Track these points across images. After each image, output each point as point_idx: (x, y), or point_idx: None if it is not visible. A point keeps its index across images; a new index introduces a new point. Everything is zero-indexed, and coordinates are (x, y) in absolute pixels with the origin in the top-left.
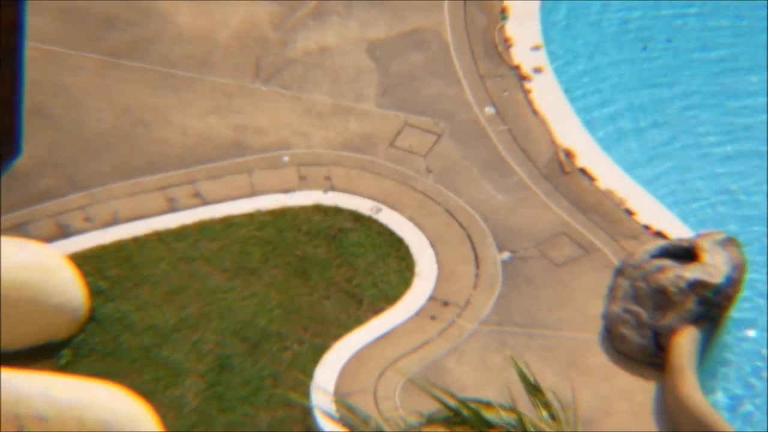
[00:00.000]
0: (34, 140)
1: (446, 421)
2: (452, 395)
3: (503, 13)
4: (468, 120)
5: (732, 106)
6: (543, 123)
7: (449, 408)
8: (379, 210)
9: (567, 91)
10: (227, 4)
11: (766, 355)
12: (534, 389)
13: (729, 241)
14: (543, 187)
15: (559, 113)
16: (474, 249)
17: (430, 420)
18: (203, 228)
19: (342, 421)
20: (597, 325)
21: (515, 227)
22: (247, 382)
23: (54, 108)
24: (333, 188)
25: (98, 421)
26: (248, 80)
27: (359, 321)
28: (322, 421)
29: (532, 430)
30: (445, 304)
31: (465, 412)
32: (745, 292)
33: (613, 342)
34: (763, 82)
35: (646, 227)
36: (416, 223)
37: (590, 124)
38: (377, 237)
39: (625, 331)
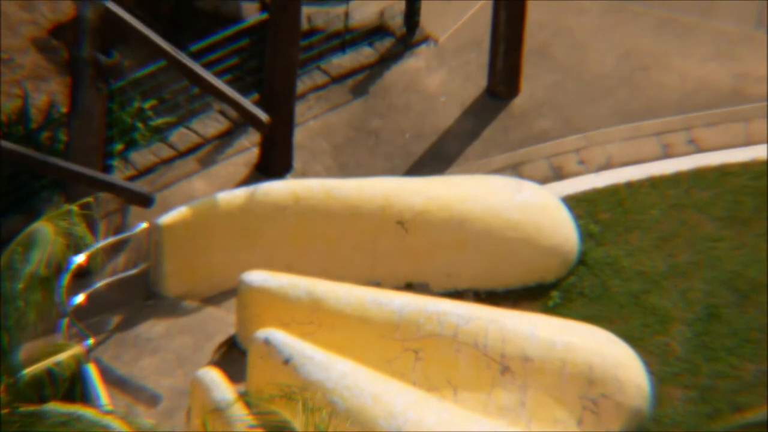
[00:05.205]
0: (535, 80)
1: None
2: None
3: None
4: None
5: None
6: None
7: None
8: None
9: None
10: None
11: None
12: None
13: None
14: None
15: None
16: None
17: None
18: (697, 175)
19: None
20: None
21: None
22: (734, 333)
23: (556, 49)
24: None
25: (583, 364)
26: (750, 26)
27: None
28: None
29: None
30: None
31: None
32: None
33: None
34: None
35: None
36: None
37: None
38: None
39: None
